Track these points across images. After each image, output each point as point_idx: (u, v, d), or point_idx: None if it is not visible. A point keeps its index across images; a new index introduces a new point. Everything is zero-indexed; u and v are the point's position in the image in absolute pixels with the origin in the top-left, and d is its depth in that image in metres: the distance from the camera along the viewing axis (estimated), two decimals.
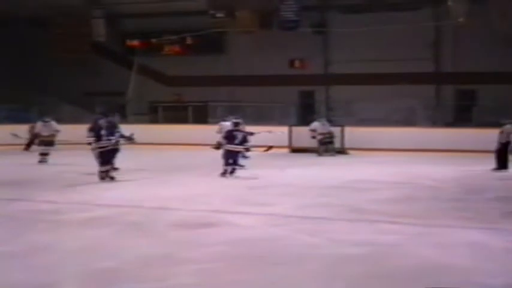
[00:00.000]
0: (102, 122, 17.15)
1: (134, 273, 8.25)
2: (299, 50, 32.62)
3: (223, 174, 17.97)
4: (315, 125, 25.55)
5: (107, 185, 16.18)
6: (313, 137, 25.20)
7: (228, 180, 17.55)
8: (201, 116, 31.85)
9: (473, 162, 20.62)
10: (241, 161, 19.92)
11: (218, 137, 21.37)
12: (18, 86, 32.22)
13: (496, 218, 11.91)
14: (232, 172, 18.15)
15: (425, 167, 20.79)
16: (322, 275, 8.15)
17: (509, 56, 28.97)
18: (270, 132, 21.51)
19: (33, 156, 22.02)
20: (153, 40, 33.56)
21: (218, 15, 32.32)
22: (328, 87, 33.67)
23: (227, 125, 20.84)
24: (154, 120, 32.68)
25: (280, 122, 29.28)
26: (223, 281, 7.94)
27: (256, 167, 20.74)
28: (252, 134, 22.46)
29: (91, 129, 16.92)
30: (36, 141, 22.57)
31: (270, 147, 22.63)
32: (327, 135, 25.30)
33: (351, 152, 25.66)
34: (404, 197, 14.50)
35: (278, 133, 22.65)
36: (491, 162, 19.54)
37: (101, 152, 16.80)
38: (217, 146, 21.02)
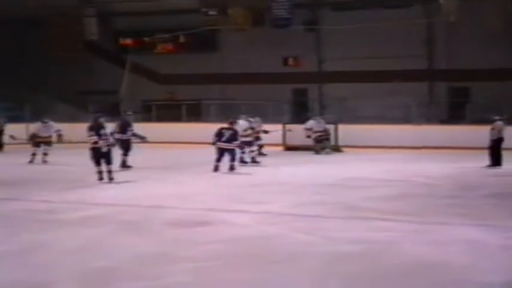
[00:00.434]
0: (103, 120, 16.85)
1: (131, 271, 8.26)
2: (292, 48, 32.60)
3: (214, 169, 18.52)
4: (311, 123, 25.53)
5: (102, 184, 16.16)
6: (309, 136, 25.17)
7: (223, 179, 17.57)
8: (195, 114, 31.83)
9: (468, 159, 20.67)
10: (246, 158, 20.68)
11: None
12: (12, 85, 32.14)
13: (491, 215, 11.93)
14: (231, 169, 18.60)
15: (420, 164, 20.83)
16: (318, 273, 8.16)
17: (502, 52, 29.04)
18: (289, 130, 22.13)
19: (28, 155, 21.95)
20: (146, 38, 33.46)
21: (210, 13, 32.29)
22: (322, 84, 33.68)
23: (241, 123, 20.98)
24: (148, 119, 32.63)
25: (273, 120, 29.25)
26: (219, 280, 7.95)
27: (250, 166, 20.83)
28: (266, 132, 22.86)
29: (91, 128, 16.48)
30: (31, 141, 22.32)
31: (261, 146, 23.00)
32: (323, 133, 25.29)
33: (344, 149, 25.66)
34: (399, 194, 14.51)
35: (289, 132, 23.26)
36: (485, 158, 19.60)
37: (97, 153, 16.30)
38: None
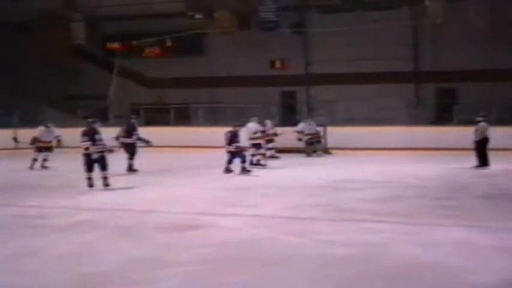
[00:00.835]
0: (97, 126, 16.51)
1: (123, 276, 8.24)
2: (279, 51, 32.63)
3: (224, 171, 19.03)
4: (302, 126, 25.51)
5: (93, 189, 16.10)
6: (300, 139, 25.17)
7: (214, 182, 17.56)
8: (183, 118, 31.83)
9: (457, 160, 20.75)
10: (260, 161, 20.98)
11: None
12: None
13: (482, 216, 11.98)
14: (228, 170, 19.06)
15: (409, 166, 20.89)
16: (310, 275, 8.16)
17: (488, 53, 29.17)
18: (282, 133, 22.39)
19: (21, 161, 21.88)
20: (133, 42, 33.39)
21: (197, 16, 32.26)
22: (309, 87, 33.73)
23: (251, 126, 21.06)
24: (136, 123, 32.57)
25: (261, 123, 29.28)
26: (211, 283, 7.94)
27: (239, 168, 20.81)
28: (276, 134, 23.00)
29: (85, 134, 16.11)
30: (34, 145, 22.09)
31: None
32: (314, 136, 25.30)
33: (333, 151, 25.68)
34: (390, 196, 14.55)
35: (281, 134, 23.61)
36: (474, 159, 19.71)
37: (90, 159, 15.99)
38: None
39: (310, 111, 31.77)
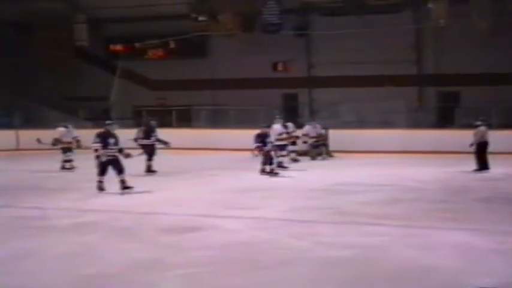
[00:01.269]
0: (114, 128, 16.27)
1: (122, 278, 8.28)
2: (282, 53, 32.62)
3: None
4: (307, 128, 25.44)
5: (94, 191, 16.13)
6: (305, 142, 25.15)
7: (216, 184, 17.58)
8: (185, 120, 31.84)
9: (457, 164, 20.76)
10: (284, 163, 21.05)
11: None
12: (1, 91, 32.07)
13: (481, 219, 12.02)
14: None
15: (410, 169, 20.89)
16: (310, 278, 8.20)
17: (491, 57, 29.12)
18: None
19: (22, 162, 21.93)
20: (136, 44, 33.46)
21: (200, 18, 32.29)
22: (312, 89, 33.73)
23: (276, 127, 21.17)
24: (138, 125, 32.59)
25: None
26: (210, 286, 7.99)
27: (242, 171, 20.87)
28: (297, 137, 23.09)
29: (98, 136, 15.82)
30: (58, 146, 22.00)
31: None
32: (319, 138, 25.28)
33: (335, 154, 25.68)
34: (390, 198, 14.58)
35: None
36: (474, 163, 19.74)
37: (102, 162, 15.73)
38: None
39: (312, 114, 31.77)
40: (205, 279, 8.21)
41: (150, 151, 20.19)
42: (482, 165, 19.70)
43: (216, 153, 25.39)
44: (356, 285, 7.91)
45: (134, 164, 17.25)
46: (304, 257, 9.17)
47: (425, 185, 16.99)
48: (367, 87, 31.25)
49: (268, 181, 18.40)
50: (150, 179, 18.77)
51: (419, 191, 16.05)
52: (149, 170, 19.86)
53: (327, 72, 32.37)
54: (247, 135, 27.88)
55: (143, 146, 20.24)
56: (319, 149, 25.18)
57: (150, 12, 32.97)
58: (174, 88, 34.42)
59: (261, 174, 19.11)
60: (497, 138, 21.41)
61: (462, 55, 29.70)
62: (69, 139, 21.88)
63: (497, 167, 19.80)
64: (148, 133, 20.50)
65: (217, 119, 32.00)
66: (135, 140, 20.52)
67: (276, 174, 19.11)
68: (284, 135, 22.16)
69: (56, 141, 21.74)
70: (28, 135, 29.14)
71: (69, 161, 21.53)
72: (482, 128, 20.03)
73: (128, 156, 16.00)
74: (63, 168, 21.42)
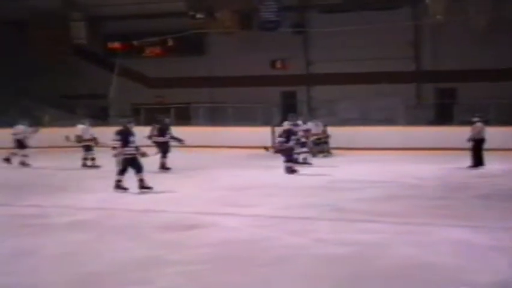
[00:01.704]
0: (131, 126, 16.06)
1: (120, 276, 8.28)
2: (280, 51, 32.61)
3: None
4: (309, 126, 25.39)
5: (92, 188, 16.15)
6: (307, 139, 25.05)
7: (213, 182, 17.59)
8: (183, 118, 31.81)
9: (455, 160, 20.76)
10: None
11: None
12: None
13: (479, 216, 12.04)
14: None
15: (408, 166, 20.92)
16: (308, 275, 8.21)
17: (488, 53, 29.13)
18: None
19: (19, 160, 21.94)
20: (134, 42, 33.47)
21: (198, 16, 32.28)
22: (310, 87, 33.73)
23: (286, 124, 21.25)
24: (137, 122, 32.54)
25: (263, 123, 29.32)
26: (209, 283, 7.99)
27: (240, 168, 20.89)
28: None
29: (119, 133, 15.62)
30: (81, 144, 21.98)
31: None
32: (321, 136, 25.21)
33: (334, 151, 25.65)
34: (388, 195, 14.61)
35: None
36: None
37: (124, 159, 15.46)
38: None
39: (311, 111, 31.78)
40: (204, 276, 8.22)
41: (164, 149, 20.40)
42: (478, 161, 19.75)
43: (214, 150, 25.36)
44: (354, 282, 7.92)
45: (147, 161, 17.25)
46: (303, 254, 9.19)
47: (423, 182, 17.02)
48: (365, 84, 31.25)
49: (266, 178, 18.41)
50: (147, 177, 18.74)
51: (418, 187, 16.08)
52: (163, 167, 20.10)
53: (325, 70, 32.37)
54: (245, 133, 28.11)
55: (158, 144, 20.39)
56: (320, 146, 25.12)
57: (148, 10, 32.98)
58: (173, 86, 34.42)
59: (287, 173, 18.85)
60: (495, 134, 21.45)
61: (460, 51, 29.72)
62: (88, 136, 21.81)
63: (495, 164, 19.83)
64: (162, 131, 20.85)
65: (216, 117, 32.00)
66: (150, 137, 20.68)
67: (295, 171, 18.92)
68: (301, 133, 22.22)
69: (79, 138, 21.72)
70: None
71: (93, 158, 21.52)
72: (479, 125, 20.09)
73: (144, 155, 15.85)
74: (85, 165, 21.39)
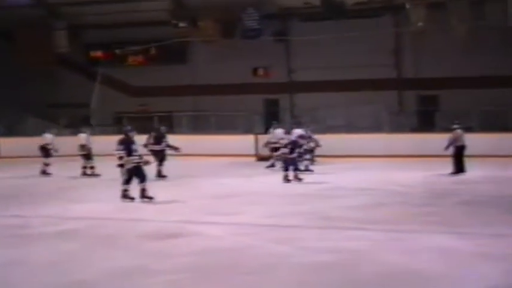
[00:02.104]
0: (132, 135, 15.83)
1: (105, 285, 8.27)
2: (262, 59, 32.69)
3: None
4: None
5: (77, 198, 16.09)
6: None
7: (196, 190, 17.58)
8: (166, 126, 31.71)
9: (438, 167, 20.85)
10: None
11: None
12: None
13: (464, 222, 12.10)
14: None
15: (392, 173, 21.02)
16: (293, 283, 8.20)
17: (469, 60, 29.37)
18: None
19: (2, 170, 21.83)
20: (117, 51, 33.42)
21: (181, 25, 32.30)
22: (293, 94, 33.82)
23: (297, 131, 21.22)
24: (119, 131, 32.46)
25: (245, 131, 29.35)
26: None
27: (223, 176, 20.88)
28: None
29: (122, 142, 15.43)
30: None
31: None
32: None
33: (317, 159, 25.65)
34: (373, 203, 14.65)
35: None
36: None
37: (129, 169, 15.31)
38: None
39: (294, 119, 31.84)
40: (188, 285, 8.21)
41: (160, 157, 20.46)
42: (459, 168, 19.90)
43: (197, 159, 25.32)
44: None
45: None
46: (287, 262, 9.18)
47: (408, 189, 17.09)
48: (347, 92, 31.37)
49: (250, 186, 18.44)
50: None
51: (402, 195, 16.13)
52: (160, 175, 20.14)
53: (307, 77, 32.50)
54: (228, 141, 28.11)
55: (154, 152, 20.40)
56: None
57: (131, 19, 32.96)
58: (155, 94, 34.41)
59: (284, 182, 18.68)
60: (476, 141, 21.62)
61: (441, 59, 29.96)
62: (89, 145, 21.91)
63: (476, 170, 20.00)
64: (158, 139, 20.91)
65: (199, 125, 31.99)
66: (145, 145, 20.64)
67: (290, 181, 18.79)
68: (285, 141, 22.31)
69: (83, 148, 21.74)
70: (10, 143, 29.09)
71: (92, 167, 21.55)
72: (459, 131, 20.24)
73: (146, 163, 15.73)
74: (85, 174, 21.42)
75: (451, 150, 20.14)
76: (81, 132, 22.43)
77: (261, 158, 26.11)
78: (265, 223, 12.37)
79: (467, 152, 20.20)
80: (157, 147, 20.68)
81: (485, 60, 29.06)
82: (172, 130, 31.48)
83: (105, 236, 11.37)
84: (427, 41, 30.18)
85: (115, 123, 33.07)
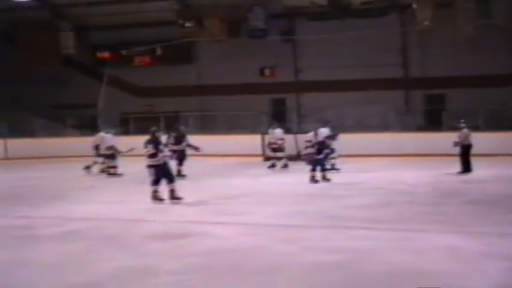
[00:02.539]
0: (159, 135, 16.03)
1: (111, 286, 8.25)
2: (269, 58, 32.65)
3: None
4: (310, 136, 25.30)
5: (81, 199, 16.09)
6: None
7: (203, 191, 17.54)
8: (173, 126, 31.76)
9: (445, 166, 20.80)
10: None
11: None
12: None
13: (471, 222, 12.05)
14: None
15: (398, 172, 20.96)
16: (300, 283, 8.19)
17: (476, 59, 29.29)
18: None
19: (8, 171, 21.86)
20: (123, 52, 33.39)
21: (187, 24, 32.27)
22: (299, 94, 33.78)
23: (323, 131, 21.18)
24: (126, 132, 32.50)
25: (252, 131, 29.31)
26: None
27: (229, 176, 20.86)
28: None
29: (150, 142, 15.40)
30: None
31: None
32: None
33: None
34: (380, 202, 14.60)
35: None
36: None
37: (157, 169, 15.27)
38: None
39: (300, 118, 31.81)
40: (195, 285, 8.19)
41: (181, 156, 20.63)
42: (466, 167, 19.83)
43: (204, 159, 25.30)
44: None
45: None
46: (293, 262, 9.17)
47: (414, 188, 17.03)
48: (354, 91, 31.33)
49: (257, 186, 18.40)
50: (136, 186, 18.71)
51: (409, 194, 16.07)
52: (179, 175, 20.19)
53: (314, 77, 32.46)
54: (235, 141, 28.07)
55: (174, 152, 20.46)
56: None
57: (137, 19, 32.95)
58: (162, 95, 34.43)
59: (311, 182, 18.47)
60: (483, 140, 21.56)
61: (448, 58, 29.92)
62: (116, 145, 22.11)
63: (483, 169, 19.92)
64: (179, 139, 20.96)
65: (206, 125, 31.98)
66: (166, 146, 20.68)
67: (317, 181, 18.55)
68: (280, 141, 23.27)
69: (110, 148, 21.90)
70: (16, 144, 29.14)
71: (114, 167, 21.73)
72: (465, 130, 20.17)
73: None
74: (109, 174, 21.62)
75: (458, 150, 20.07)
76: (105, 132, 22.48)
77: (268, 158, 26.03)
78: (272, 223, 12.35)
79: (474, 151, 20.13)
80: (177, 147, 20.76)
81: (492, 59, 29.00)
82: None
83: (110, 236, 11.36)
84: (433, 40, 30.12)
85: (121, 124, 33.09)
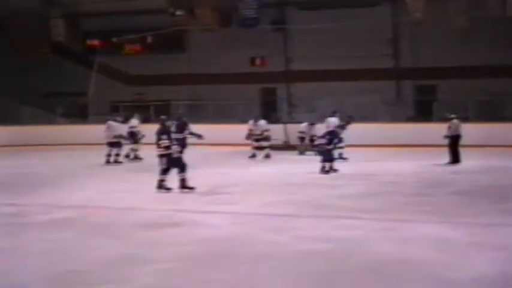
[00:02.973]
0: (169, 124, 15.98)
1: (97, 275, 8.22)
2: (260, 48, 32.67)
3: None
4: (304, 126, 25.39)
5: (70, 187, 16.05)
6: (302, 139, 25.12)
7: (193, 179, 17.51)
8: (163, 115, 31.69)
9: (434, 157, 20.88)
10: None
11: None
12: None
13: (457, 212, 12.10)
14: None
15: (387, 163, 21.03)
16: (287, 272, 8.21)
17: (467, 50, 29.38)
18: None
19: None
20: (114, 39, 33.33)
21: (178, 13, 32.26)
22: (290, 84, 33.79)
23: (333, 120, 21.09)
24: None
25: (242, 120, 29.29)
26: (189, 281, 7.96)
27: (219, 166, 20.86)
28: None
29: (162, 132, 15.39)
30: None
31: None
32: (315, 137, 25.13)
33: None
34: (367, 192, 14.66)
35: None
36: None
37: (169, 159, 15.17)
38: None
39: (291, 108, 31.85)
40: (184, 274, 8.20)
41: (182, 145, 20.50)
42: (454, 158, 19.93)
43: (193, 148, 25.25)
44: (333, 278, 7.93)
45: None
46: (282, 250, 9.19)
47: (402, 179, 17.09)
48: (345, 81, 31.36)
49: (247, 176, 18.43)
50: (126, 175, 18.74)
51: (397, 184, 16.13)
52: None
53: (304, 67, 32.47)
54: (225, 130, 28.06)
55: (177, 140, 20.43)
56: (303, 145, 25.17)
57: (128, 7, 32.88)
58: (152, 83, 34.39)
59: (322, 173, 18.22)
60: (473, 131, 21.64)
61: (439, 49, 29.99)
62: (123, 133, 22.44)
63: (472, 160, 20.02)
64: (182, 127, 20.83)
65: (196, 114, 31.95)
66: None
67: (328, 172, 18.34)
68: (266, 133, 23.58)
69: (133, 134, 22.54)
70: (5, 132, 29.05)
71: (117, 154, 21.91)
72: (455, 121, 20.27)
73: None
74: (134, 158, 22.39)
75: (447, 140, 20.16)
76: (114, 120, 22.65)
77: (259, 147, 26.05)
78: (261, 212, 12.38)
79: (463, 141, 20.22)
80: (179, 135, 20.66)
81: (483, 50, 29.08)
82: (169, 119, 31.60)
83: (99, 224, 11.35)
84: (425, 30, 30.18)
85: (111, 113, 33.02)
